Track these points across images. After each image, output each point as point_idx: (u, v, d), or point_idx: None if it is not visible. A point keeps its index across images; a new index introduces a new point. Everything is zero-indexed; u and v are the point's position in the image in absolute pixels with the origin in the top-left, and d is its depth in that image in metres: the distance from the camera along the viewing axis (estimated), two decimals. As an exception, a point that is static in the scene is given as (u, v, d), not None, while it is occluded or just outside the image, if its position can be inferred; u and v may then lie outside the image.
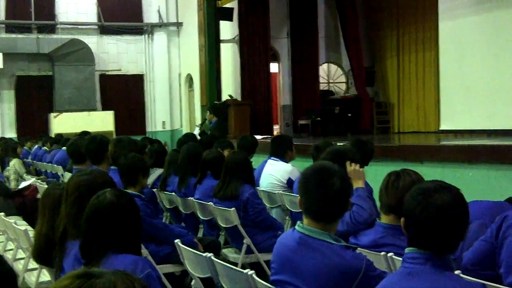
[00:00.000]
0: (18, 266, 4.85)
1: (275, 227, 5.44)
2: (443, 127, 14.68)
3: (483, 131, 12.58)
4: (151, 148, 7.01)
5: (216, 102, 15.18)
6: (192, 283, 3.89)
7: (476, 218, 3.49)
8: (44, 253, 3.63)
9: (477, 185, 7.09)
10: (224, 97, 15.44)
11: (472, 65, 13.50)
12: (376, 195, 3.68)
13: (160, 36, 20.43)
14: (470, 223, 3.31)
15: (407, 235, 2.35)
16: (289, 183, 6.17)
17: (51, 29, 19.22)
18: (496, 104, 12.74)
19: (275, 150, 6.51)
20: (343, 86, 18.56)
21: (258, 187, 6.14)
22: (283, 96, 17.44)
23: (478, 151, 7.48)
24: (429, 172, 6.54)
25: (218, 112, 11.33)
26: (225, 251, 5.53)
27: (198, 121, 17.21)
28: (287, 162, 6.48)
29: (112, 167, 5.45)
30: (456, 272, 2.32)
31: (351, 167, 4.05)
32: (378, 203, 3.70)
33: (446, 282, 2.18)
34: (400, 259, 2.42)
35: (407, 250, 2.33)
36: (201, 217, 5.72)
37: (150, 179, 6.58)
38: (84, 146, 5.82)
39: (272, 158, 6.48)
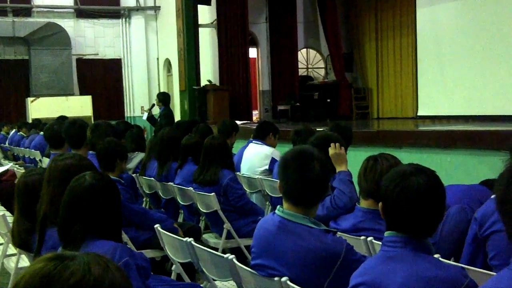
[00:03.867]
0: (-3, 252, 4.81)
1: (255, 213, 5.45)
2: (421, 112, 14.80)
3: (460, 117, 12.70)
4: (131, 132, 6.97)
5: (195, 87, 15.15)
6: (173, 268, 3.89)
7: (454, 203, 3.53)
8: (20, 239, 3.61)
9: (455, 170, 7.16)
10: (203, 82, 15.41)
11: (450, 51, 13.60)
12: (355, 180, 3.70)
13: (137, 20, 20.25)
14: (448, 207, 3.37)
15: (386, 219, 2.36)
16: (272, 163, 6.19)
17: (27, 12, 18.96)
18: (474, 90, 12.86)
19: (258, 133, 6.57)
20: (322, 72, 18.60)
21: (238, 172, 6.15)
22: (262, 81, 17.45)
23: (456, 136, 7.55)
24: (408, 157, 6.58)
25: (166, 100, 11.39)
26: (205, 236, 5.54)
27: (177, 106, 17.15)
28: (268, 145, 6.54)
29: (90, 152, 5.42)
30: (436, 255, 2.34)
31: (334, 150, 4.06)
32: (357, 188, 3.72)
33: (426, 265, 2.20)
34: (380, 243, 2.44)
35: (386, 233, 2.35)
36: (181, 202, 5.71)
37: (132, 164, 6.57)
38: (64, 131, 5.77)
39: (254, 141, 6.53)
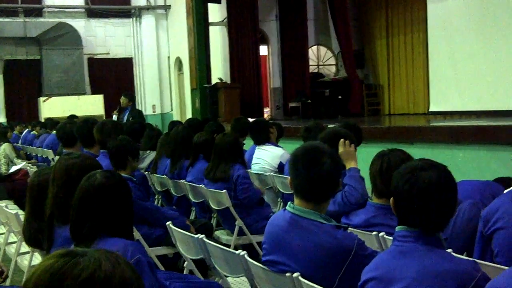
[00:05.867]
0: (11, 250, 4.85)
1: (262, 204, 5.42)
2: (432, 108, 14.74)
3: (472, 113, 12.63)
4: (150, 131, 7.01)
5: (206, 85, 15.16)
6: (185, 265, 3.90)
7: (466, 198, 3.52)
8: (33, 238, 3.64)
9: (467, 166, 7.14)
10: (214, 80, 15.42)
11: (461, 47, 13.53)
12: (367, 176, 3.68)
13: (148, 19, 20.28)
14: (460, 202, 3.35)
15: (397, 214, 2.36)
16: (280, 167, 6.16)
17: (38, 12, 19.04)
18: (486, 85, 12.79)
19: (259, 138, 6.50)
20: (333, 69, 18.56)
21: (249, 170, 6.14)
22: (273, 78, 17.44)
23: (468, 132, 7.52)
24: (420, 153, 6.55)
25: (134, 99, 11.28)
26: (217, 233, 5.54)
27: (189, 104, 17.17)
28: (276, 144, 6.51)
29: (101, 150, 5.44)
30: (448, 250, 2.33)
31: (344, 148, 4.04)
32: (367, 184, 3.71)
33: (438, 259, 2.19)
34: (392, 238, 2.43)
35: (397, 228, 2.34)
36: (192, 199, 5.72)
37: (145, 163, 6.59)
38: (76, 129, 5.81)
39: (259, 147, 6.49)
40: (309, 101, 16.27)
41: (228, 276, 3.43)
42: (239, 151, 5.55)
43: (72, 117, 11.23)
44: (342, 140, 4.05)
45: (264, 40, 17.33)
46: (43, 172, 3.77)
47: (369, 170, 3.39)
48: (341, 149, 4.01)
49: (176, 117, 19.21)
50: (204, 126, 7.28)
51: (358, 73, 17.30)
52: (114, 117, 11.55)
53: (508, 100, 12.07)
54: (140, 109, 20.17)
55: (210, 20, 15.89)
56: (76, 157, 3.39)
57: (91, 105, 18.56)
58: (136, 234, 4.32)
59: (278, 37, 17.19)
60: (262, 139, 6.48)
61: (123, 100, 11.31)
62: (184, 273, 3.90)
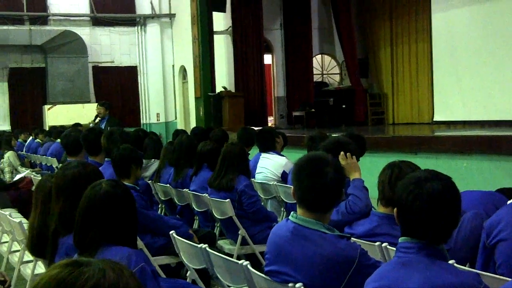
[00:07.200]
0: (14, 259, 4.85)
1: (269, 219, 5.42)
2: (436, 118, 14.73)
3: (476, 122, 12.63)
4: (152, 140, 7.00)
5: (210, 93, 15.19)
6: (188, 274, 3.90)
7: (469, 208, 3.51)
8: (38, 246, 3.63)
9: (471, 176, 7.12)
10: (218, 88, 15.44)
11: (465, 56, 13.54)
12: (371, 185, 3.68)
13: (153, 28, 20.33)
14: (463, 212, 3.35)
15: (400, 225, 2.35)
16: (283, 176, 6.17)
17: (43, 20, 19.12)
18: (490, 95, 12.78)
19: (264, 145, 6.53)
20: (337, 78, 18.58)
21: (253, 179, 6.14)
22: (277, 87, 17.46)
23: (472, 142, 7.51)
24: (424, 163, 6.54)
25: (112, 108, 11.09)
26: (220, 242, 5.53)
27: (193, 113, 17.19)
28: (280, 153, 6.51)
29: (106, 159, 5.46)
30: (451, 261, 2.33)
31: (345, 161, 3.99)
32: (371, 193, 3.70)
33: (440, 271, 2.19)
34: (395, 249, 2.43)
35: (400, 239, 2.34)
36: (196, 208, 5.72)
37: (150, 171, 6.59)
38: (82, 137, 5.83)
39: (264, 154, 6.50)
40: (313, 110, 16.28)
41: (230, 286, 3.42)
42: (245, 161, 5.56)
43: (76, 125, 11.26)
44: (342, 153, 4.00)
45: (269, 49, 17.36)
46: (48, 179, 3.77)
47: (378, 178, 3.38)
48: (343, 162, 3.95)
49: (180, 125, 19.23)
50: (207, 135, 7.29)
51: (362, 82, 17.32)
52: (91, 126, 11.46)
53: (512, 110, 12.06)
54: (144, 117, 20.35)
55: (215, 28, 15.94)
56: (75, 166, 3.38)
57: (95, 113, 18.53)
58: (139, 243, 4.32)
59: (283, 46, 17.22)
60: (267, 147, 6.50)
61: (100, 109, 10.93)
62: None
